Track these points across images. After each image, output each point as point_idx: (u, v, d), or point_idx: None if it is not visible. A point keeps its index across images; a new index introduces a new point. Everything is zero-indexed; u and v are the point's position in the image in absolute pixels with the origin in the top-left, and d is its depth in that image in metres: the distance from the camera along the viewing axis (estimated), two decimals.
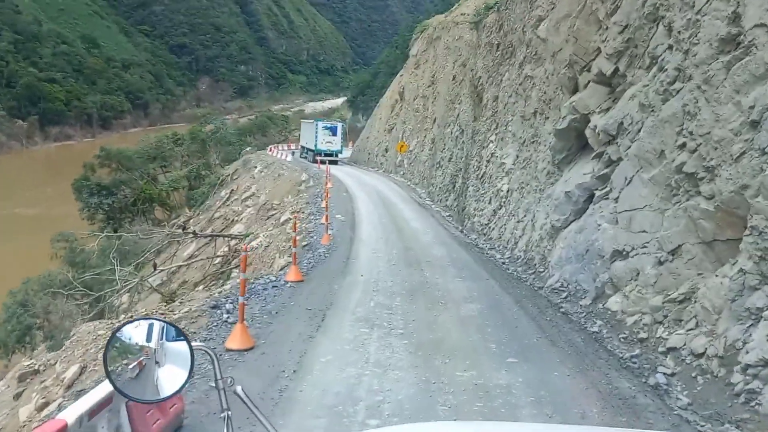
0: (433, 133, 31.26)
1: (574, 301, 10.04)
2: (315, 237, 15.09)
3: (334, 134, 45.12)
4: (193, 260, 27.64)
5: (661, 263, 8.19)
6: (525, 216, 14.61)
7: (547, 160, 13.83)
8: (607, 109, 10.78)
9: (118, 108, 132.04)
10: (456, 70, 30.44)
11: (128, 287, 23.62)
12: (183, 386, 2.04)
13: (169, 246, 32.83)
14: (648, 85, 9.10)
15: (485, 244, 16.03)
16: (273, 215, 26.31)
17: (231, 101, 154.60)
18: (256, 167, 44.50)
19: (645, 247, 8.72)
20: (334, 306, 8.62)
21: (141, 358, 2.05)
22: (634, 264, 8.90)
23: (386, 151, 41.46)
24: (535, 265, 12.73)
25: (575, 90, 12.63)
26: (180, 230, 27.65)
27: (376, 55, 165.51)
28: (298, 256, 12.79)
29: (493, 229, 16.69)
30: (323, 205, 20.39)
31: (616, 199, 9.73)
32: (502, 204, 16.65)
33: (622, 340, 7.96)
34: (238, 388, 2.04)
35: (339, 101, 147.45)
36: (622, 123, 9.82)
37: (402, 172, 35.52)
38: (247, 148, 50.20)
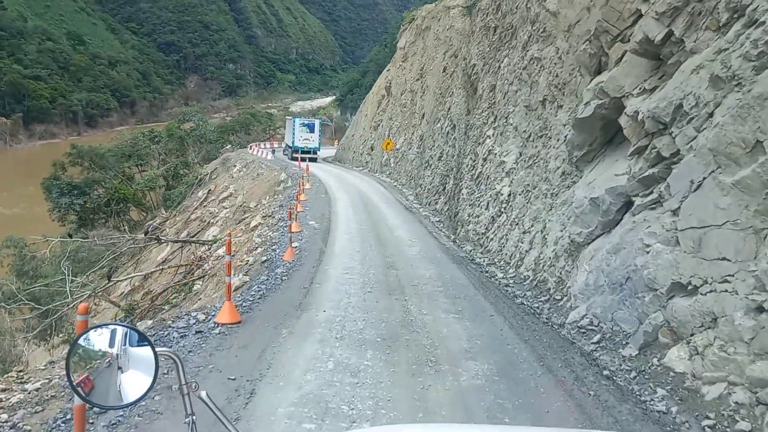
0: (422, 129, 28.41)
1: (612, 349, 7.21)
2: (278, 250, 12.18)
3: (312, 131, 43.78)
4: (159, 267, 24.74)
5: (761, 310, 5.37)
6: (532, 226, 11.77)
7: (562, 158, 11.01)
8: (653, 89, 7.94)
9: (105, 106, 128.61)
10: (447, 61, 27.61)
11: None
12: (147, 392, 1.94)
13: (141, 251, 29.99)
14: (727, 49, 6.26)
15: (483, 258, 13.16)
16: (245, 219, 23.45)
17: (219, 100, 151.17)
18: (235, 166, 41.64)
19: (727, 282, 5.89)
20: (273, 371, 5.66)
21: (104, 364, 1.97)
22: (709, 305, 6.07)
23: (372, 150, 38.55)
24: (550, 290, 9.88)
25: (599, 69, 9.85)
26: (142, 235, 24.58)
27: (365, 54, 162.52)
28: (250, 280, 9.90)
29: (492, 239, 13.83)
30: (295, 209, 17.54)
31: (675, 211, 6.88)
32: (503, 210, 13.80)
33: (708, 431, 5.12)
34: (203, 393, 1.95)
35: (328, 100, 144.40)
36: (680, 105, 6.98)
37: (388, 172, 32.62)
38: (227, 146, 47.12)
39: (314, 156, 42.42)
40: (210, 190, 40.60)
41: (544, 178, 11.78)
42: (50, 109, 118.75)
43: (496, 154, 15.11)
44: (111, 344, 1.97)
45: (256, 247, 13.34)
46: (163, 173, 44.99)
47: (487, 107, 16.97)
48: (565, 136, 10.89)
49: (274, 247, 12.58)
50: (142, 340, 1.99)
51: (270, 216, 19.67)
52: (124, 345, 1.97)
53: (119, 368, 1.95)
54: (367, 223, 16.72)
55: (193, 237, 30.79)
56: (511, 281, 11.04)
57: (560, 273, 9.76)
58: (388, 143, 31.27)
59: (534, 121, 13.01)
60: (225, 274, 7.87)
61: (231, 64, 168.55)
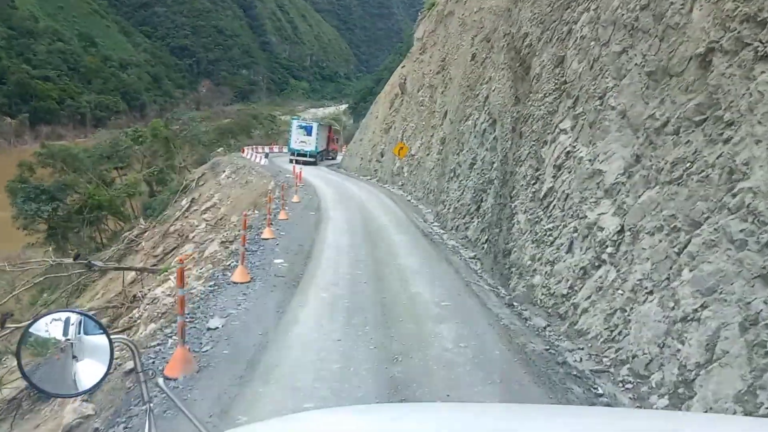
0: (443, 131, 22.15)
1: None
2: (171, 342, 5.87)
3: (309, 134, 40.64)
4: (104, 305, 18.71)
5: None
6: (705, 307, 5.40)
7: None
8: None
9: (114, 108, 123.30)
10: (476, 46, 21.35)
11: None
12: (103, 379, 1.87)
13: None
14: None
15: (578, 354, 6.76)
16: (205, 242, 17.31)
17: (231, 105, 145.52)
18: (224, 171, 35.64)
19: None
20: None
21: (57, 353, 1.86)
22: None
23: (382, 156, 32.27)
24: None
25: None
26: (72, 260, 18.35)
27: (379, 63, 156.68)
28: None
29: (587, 311, 7.46)
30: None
31: None
32: (605, 258, 7.47)
33: None
34: (160, 380, 1.91)
35: (341, 108, 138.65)
36: None
37: (401, 183, 26.32)
38: (219, 149, 41.01)
39: (310, 160, 39.02)
40: (193, 198, 34.60)
41: (729, 207, 5.43)
42: (58, 110, 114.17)
43: (581, 158, 8.79)
44: (65, 332, 1.85)
45: (154, 319, 7.04)
46: (146, 177, 38.91)
47: (553, 89, 10.67)
48: None
49: (173, 325, 6.25)
50: (97, 327, 1.89)
51: (229, 242, 13.52)
52: (79, 333, 1.85)
53: (74, 356, 1.85)
54: (366, 263, 10.40)
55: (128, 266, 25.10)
56: None
57: None
58: (401, 148, 25.00)
59: (678, 95, 6.69)
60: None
61: (244, 70, 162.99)
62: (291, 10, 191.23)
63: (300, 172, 24.00)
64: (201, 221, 29.41)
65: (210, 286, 7.87)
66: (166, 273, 15.96)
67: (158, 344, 5.84)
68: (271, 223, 13.44)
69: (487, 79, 17.25)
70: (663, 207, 6.54)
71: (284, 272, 9.15)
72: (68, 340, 1.83)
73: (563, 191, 9.05)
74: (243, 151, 38.63)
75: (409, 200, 22.05)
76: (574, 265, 8.08)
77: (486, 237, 12.58)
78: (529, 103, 11.82)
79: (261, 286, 8.20)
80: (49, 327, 1.85)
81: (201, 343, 5.73)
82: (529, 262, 9.39)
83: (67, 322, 1.85)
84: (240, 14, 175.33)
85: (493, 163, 13.96)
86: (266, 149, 40.22)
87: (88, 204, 36.32)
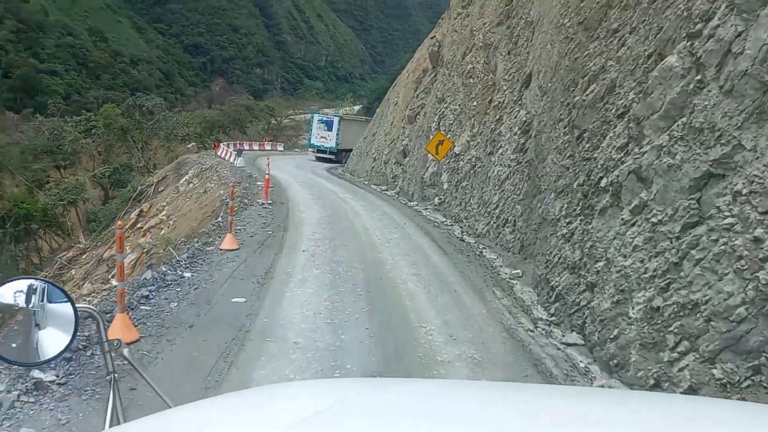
0: (527, 109, 11.37)
1: None
2: None
3: (329, 129, 35.15)
4: None
5: None
6: None
7: None
8: None
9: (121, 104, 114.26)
10: None
11: None
12: (66, 348, 1.73)
13: None
14: None
15: None
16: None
17: None
18: (187, 174, 25.11)
19: None
20: None
21: (20, 320, 1.72)
22: None
23: (404, 156, 21.48)
24: None
25: None
26: None
27: (395, 64, 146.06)
28: None
29: None
30: None
31: None
32: None
33: None
34: (125, 351, 1.79)
35: (355, 108, 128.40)
36: None
37: (437, 200, 15.56)
38: (189, 145, 30.50)
39: (331, 157, 34.21)
40: (142, 210, 23.98)
41: None
42: (64, 106, 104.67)
43: None
44: (28, 300, 1.69)
45: None
46: (97, 179, 28.40)
47: None
48: None
49: None
50: (62, 295, 1.74)
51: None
52: (42, 301, 1.71)
53: (37, 325, 1.71)
54: None
55: None
56: None
57: None
58: (441, 142, 14.28)
59: None
60: None
61: (258, 69, 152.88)
62: (307, 10, 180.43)
63: (268, 179, 13.39)
64: (136, 246, 18.82)
65: None
66: None
67: None
68: None
69: None
70: None
71: None
72: (31, 308, 1.68)
73: None
74: (216, 147, 27.96)
75: (460, 237, 11.28)
76: None
77: None
78: None
79: None
80: (12, 295, 1.69)
81: None
82: None
83: (30, 289, 1.69)
84: (256, 13, 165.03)
85: None
86: (244, 146, 29.77)
87: (13, 215, 25.95)
